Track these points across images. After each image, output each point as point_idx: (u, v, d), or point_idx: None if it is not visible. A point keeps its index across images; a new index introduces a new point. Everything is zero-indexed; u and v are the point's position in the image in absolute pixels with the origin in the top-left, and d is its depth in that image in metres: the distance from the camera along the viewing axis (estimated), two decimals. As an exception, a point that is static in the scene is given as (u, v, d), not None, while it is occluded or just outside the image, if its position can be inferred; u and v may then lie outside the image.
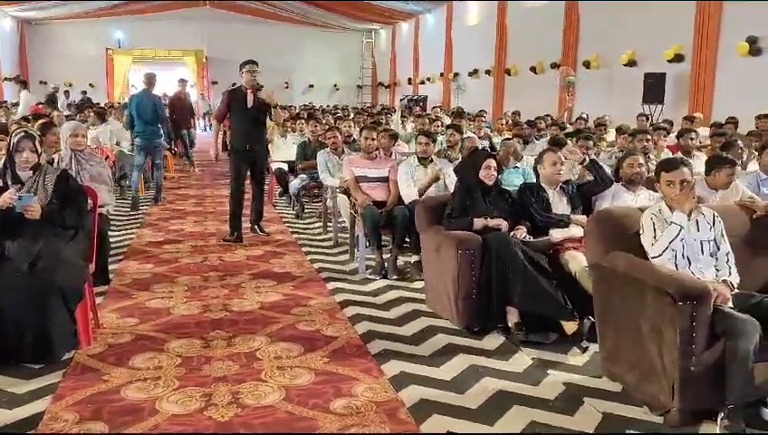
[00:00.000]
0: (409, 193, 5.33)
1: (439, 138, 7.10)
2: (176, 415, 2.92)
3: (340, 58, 28.36)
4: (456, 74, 20.63)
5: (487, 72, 18.57)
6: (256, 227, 6.55)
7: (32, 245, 3.50)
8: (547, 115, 11.82)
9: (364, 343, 3.83)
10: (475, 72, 19.44)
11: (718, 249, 3.29)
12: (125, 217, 7.57)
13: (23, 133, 3.71)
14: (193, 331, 3.97)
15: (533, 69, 16.18)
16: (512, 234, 4.16)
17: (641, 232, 3.32)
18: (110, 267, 5.30)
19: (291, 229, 7.04)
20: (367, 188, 5.57)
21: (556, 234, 4.27)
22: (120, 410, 2.95)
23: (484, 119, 10.19)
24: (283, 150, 8.55)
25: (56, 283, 3.39)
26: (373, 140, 5.67)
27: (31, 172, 3.69)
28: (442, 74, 21.51)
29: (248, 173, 6.34)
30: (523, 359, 3.65)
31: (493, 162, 4.31)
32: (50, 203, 3.65)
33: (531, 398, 3.18)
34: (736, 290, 3.20)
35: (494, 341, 3.90)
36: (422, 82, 23.52)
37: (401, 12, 23.49)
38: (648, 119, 9.86)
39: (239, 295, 4.67)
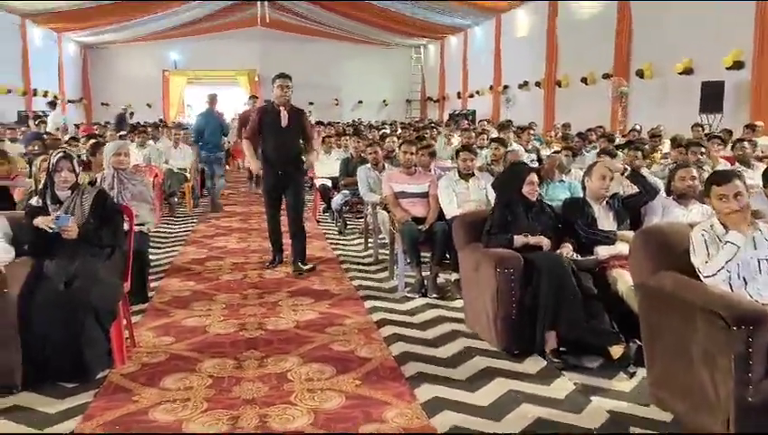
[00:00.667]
0: (450, 209, 5.20)
1: (483, 152, 6.95)
2: (201, 439, 2.86)
3: (389, 74, 28.44)
4: (506, 87, 20.37)
5: (537, 84, 18.26)
6: (299, 263, 5.71)
7: (69, 264, 3.53)
8: (599, 127, 11.48)
9: (398, 365, 3.70)
10: (524, 85, 19.14)
11: (778, 267, 3.05)
12: (171, 234, 7.67)
13: (61, 154, 3.77)
14: (227, 350, 3.92)
15: (584, 80, 15.81)
16: (558, 252, 3.98)
17: (691, 250, 3.11)
18: (152, 284, 5.34)
19: (332, 246, 6.99)
20: (406, 203, 5.47)
21: (602, 251, 4.08)
22: (146, 431, 2.92)
23: (532, 131, 9.95)
24: (326, 166, 8.54)
25: (91, 302, 3.40)
26: (412, 154, 5.57)
27: (69, 192, 3.74)
28: (491, 87, 21.28)
29: (281, 200, 5.76)
30: (565, 384, 3.46)
31: (536, 177, 4.15)
32: (86, 222, 3.68)
33: (573, 426, 3.00)
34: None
35: (534, 364, 3.71)
36: (471, 96, 23.32)
37: (450, 26, 23.42)
38: (703, 129, 9.46)
39: (276, 314, 4.62)
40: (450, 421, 3.03)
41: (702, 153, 5.71)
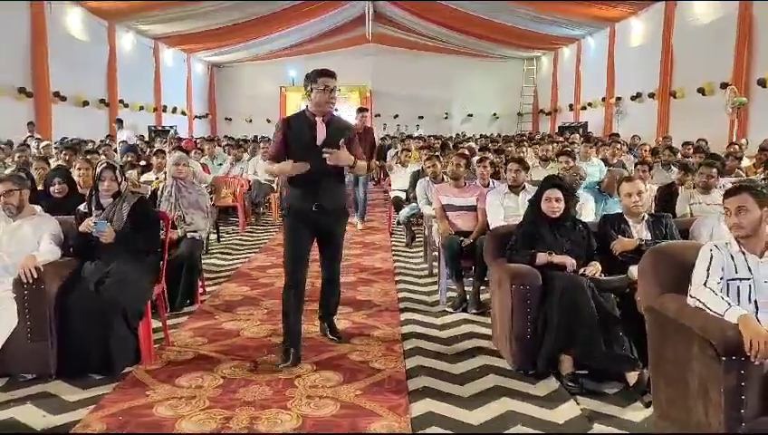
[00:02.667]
0: (496, 222, 5.07)
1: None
2: (188, 435, 3.01)
3: (500, 86, 28.09)
4: (619, 99, 19.48)
5: (651, 95, 17.31)
6: (326, 326, 4.35)
7: (105, 266, 3.84)
8: (701, 140, 10.76)
9: (407, 378, 3.68)
10: (638, 96, 18.22)
11: (799, 293, 2.74)
12: (248, 242, 8.05)
13: (105, 164, 4.11)
14: (250, 354, 4.08)
15: (701, 90, 14.79)
16: (582, 271, 3.80)
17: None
18: (212, 288, 5.66)
19: (395, 257, 7.03)
20: (454, 216, 5.42)
21: (635, 271, 3.82)
22: (142, 424, 3.11)
23: (619, 145, 9.49)
24: (402, 179, 8.59)
25: (118, 301, 3.68)
26: (459, 166, 5.50)
27: (111, 199, 4.06)
28: (603, 99, 20.45)
29: (311, 247, 4.05)
30: (571, 409, 3.28)
31: (556, 193, 3.96)
32: (124, 228, 3.98)
33: (560, 453, 2.85)
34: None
35: (547, 386, 3.56)
36: (583, 108, 22.53)
37: (563, 37, 22.81)
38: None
39: (310, 320, 4.69)
40: (435, 438, 2.99)
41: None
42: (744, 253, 2.79)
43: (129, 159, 7.14)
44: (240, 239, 8.22)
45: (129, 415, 3.21)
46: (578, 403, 3.35)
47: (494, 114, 28.51)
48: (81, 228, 3.91)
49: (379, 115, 27.76)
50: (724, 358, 2.41)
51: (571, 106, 23.59)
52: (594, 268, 3.82)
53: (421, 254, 7.07)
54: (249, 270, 6.46)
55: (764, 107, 12.70)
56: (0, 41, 13.32)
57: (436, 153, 7.29)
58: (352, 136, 4.06)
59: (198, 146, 10.63)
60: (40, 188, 5.32)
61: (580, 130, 20.29)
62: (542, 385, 3.58)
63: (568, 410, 3.27)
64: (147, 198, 4.35)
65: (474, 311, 4.91)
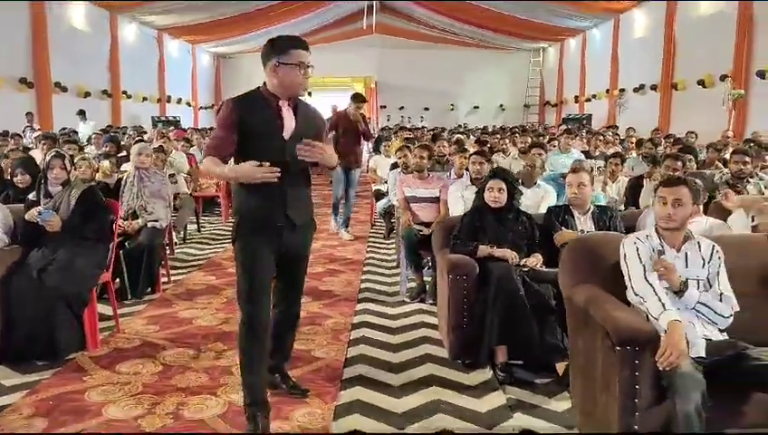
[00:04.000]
0: (456, 214, 5.08)
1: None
2: (112, 419, 3.06)
3: (507, 78, 27.92)
4: (622, 90, 19.31)
5: (653, 87, 17.15)
6: (279, 378, 3.31)
7: (51, 253, 3.90)
8: (690, 133, 10.70)
9: (344, 367, 3.71)
10: (640, 88, 18.04)
11: (710, 287, 2.72)
12: (229, 233, 8.08)
13: (54, 153, 4.17)
14: (198, 342, 4.13)
15: (701, 82, 14.63)
16: (523, 262, 3.80)
17: (622, 261, 2.82)
18: (179, 277, 5.73)
19: (369, 249, 7.06)
20: (417, 208, 5.43)
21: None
22: (70, 409, 3.16)
23: (601, 138, 9.43)
24: (385, 170, 8.59)
25: (60, 289, 3.74)
26: (422, 158, 5.50)
27: (60, 187, 4.12)
28: (608, 91, 20.27)
29: (274, 272, 3.07)
30: (497, 399, 3.30)
31: (499, 184, 3.96)
32: (71, 216, 4.04)
33: (473, 442, 2.87)
34: (722, 337, 2.63)
35: (480, 376, 3.58)
36: (588, 100, 22.35)
37: (569, 28, 22.62)
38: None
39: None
40: (353, 425, 3.01)
41: (744, 163, 5.13)
42: (662, 246, 2.78)
43: (107, 148, 7.21)
44: (221, 230, 8.28)
45: (59, 400, 3.27)
46: (505, 393, 3.36)
47: (501, 106, 28.34)
48: (26, 217, 3.97)
49: (384, 107, 27.75)
50: (618, 348, 2.41)
51: (576, 98, 23.41)
52: (535, 259, 3.82)
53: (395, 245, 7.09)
54: (221, 260, 6.51)
55: (763, 98, 12.54)
56: (1, 31, 13.46)
57: (408, 144, 7.26)
58: (325, 129, 3.27)
59: (187, 136, 10.67)
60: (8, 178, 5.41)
61: (584, 122, 20.23)
62: (476, 375, 3.60)
63: (493, 400, 3.29)
64: (96, 187, 4.39)
65: (431, 301, 4.92)
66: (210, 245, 7.29)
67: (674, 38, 16.22)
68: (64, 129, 12.19)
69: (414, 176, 5.59)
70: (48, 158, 4.13)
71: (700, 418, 2.23)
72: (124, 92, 19.08)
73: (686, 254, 2.75)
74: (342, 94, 26.18)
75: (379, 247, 7.18)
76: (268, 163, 2.74)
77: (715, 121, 13.00)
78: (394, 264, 6.28)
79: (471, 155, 5.42)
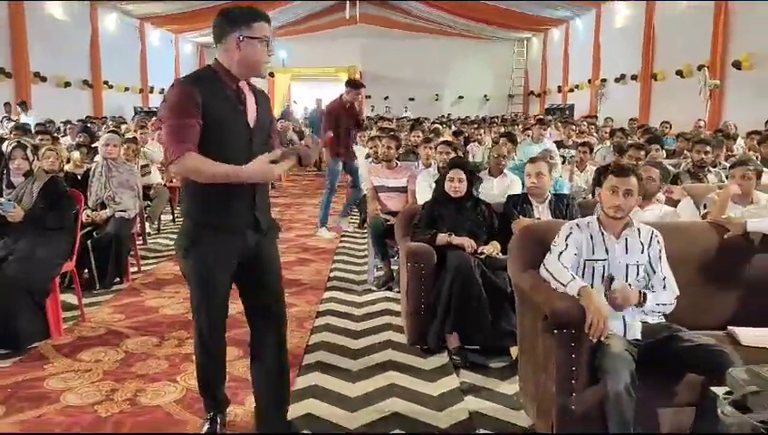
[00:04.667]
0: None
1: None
2: (69, 406, 3.10)
3: (492, 68, 27.96)
4: (604, 81, 19.42)
5: (633, 77, 17.26)
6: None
7: (13, 244, 3.92)
8: (665, 123, 10.82)
9: (305, 353, 3.78)
10: (622, 78, 18.16)
11: (654, 273, 2.80)
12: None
13: (15, 143, 4.19)
14: (161, 330, 4.17)
15: (680, 73, 14.75)
16: (480, 249, 3.87)
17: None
18: (150, 267, 5.75)
19: (343, 238, 7.11)
20: (385, 197, 5.49)
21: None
22: (27, 396, 3.20)
23: (574, 127, 9.53)
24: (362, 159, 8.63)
25: (21, 278, 3.76)
26: (389, 148, 5.55)
27: (23, 178, 4.14)
28: (590, 81, 20.38)
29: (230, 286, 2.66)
30: (451, 383, 3.38)
31: (459, 173, 4.02)
32: (34, 206, 4.05)
33: (421, 424, 2.94)
34: (659, 320, 2.71)
35: (437, 361, 3.66)
36: (571, 90, 22.45)
37: (553, 18, 22.69)
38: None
39: (234, 299, 4.79)
40: (305, 409, 3.08)
41: (706, 152, 5.23)
42: (603, 233, 2.84)
43: (80, 139, 7.20)
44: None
45: (18, 387, 3.30)
46: (459, 377, 3.44)
47: (485, 96, 28.40)
48: (-13, 208, 3.98)
49: (369, 96, 27.61)
50: (555, 330, 2.48)
51: (559, 88, 23.51)
52: (492, 247, 3.88)
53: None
54: (194, 249, 6.52)
55: (738, 89, 12.68)
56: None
57: (380, 135, 7.31)
58: (270, 107, 2.75)
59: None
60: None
61: (567, 112, 20.35)
62: (434, 360, 3.68)
63: (447, 384, 3.37)
64: (59, 178, 4.40)
65: (397, 290, 4.98)
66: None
67: (653, 28, 16.32)
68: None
69: (382, 166, 5.65)
70: (9, 148, 4.14)
71: (630, 397, 2.31)
72: (105, 83, 18.97)
73: (626, 240, 2.82)
74: (327, 84, 26.40)
75: (353, 236, 7.23)
76: (278, 155, 2.41)
77: (694, 111, 13.10)
78: (366, 253, 6.34)
79: (438, 145, 5.47)
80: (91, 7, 18.20)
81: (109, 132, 5.92)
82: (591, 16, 20.37)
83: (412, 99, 27.34)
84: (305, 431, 2.86)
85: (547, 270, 2.74)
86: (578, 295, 2.54)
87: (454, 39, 26.92)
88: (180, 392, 3.25)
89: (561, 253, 2.77)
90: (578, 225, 2.90)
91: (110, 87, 19.26)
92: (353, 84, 7.22)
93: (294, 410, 3.05)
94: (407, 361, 3.66)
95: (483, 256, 3.80)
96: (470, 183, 4.06)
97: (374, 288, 5.11)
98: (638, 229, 2.85)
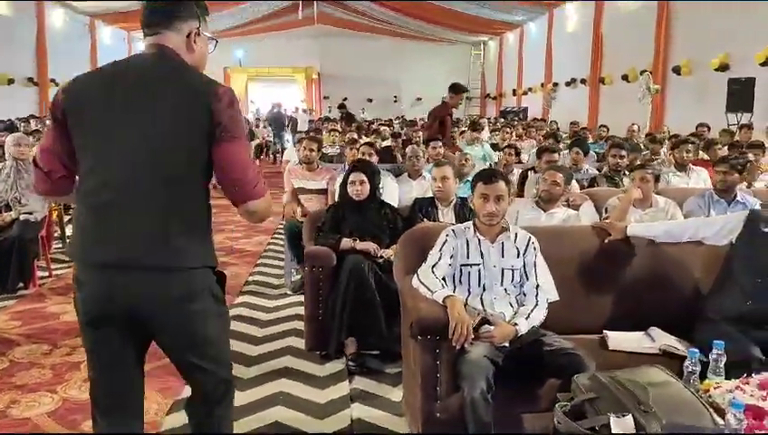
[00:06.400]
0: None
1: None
2: (-68, 419, 2.96)
3: (449, 70, 27.95)
4: (556, 84, 19.66)
5: (582, 81, 17.51)
6: None
7: None
8: (602, 126, 10.99)
9: (199, 360, 3.67)
10: (572, 82, 18.41)
11: (527, 280, 2.78)
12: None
13: None
14: (55, 337, 4.03)
15: (625, 77, 15.01)
16: (381, 253, 3.82)
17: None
18: (62, 272, 5.57)
19: (273, 241, 7.01)
20: (306, 199, 5.40)
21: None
22: None
23: (508, 130, 9.63)
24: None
25: None
26: (311, 151, 5.46)
27: None
28: (542, 85, 20.62)
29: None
30: (341, 389, 3.33)
31: (360, 176, 3.96)
32: None
33: (300, 433, 2.88)
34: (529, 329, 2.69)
35: (334, 367, 3.60)
36: (525, 93, 22.69)
37: (508, 22, 22.88)
38: (709, 129, 8.80)
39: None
40: (180, 420, 2.98)
41: (622, 156, 5.29)
42: (478, 238, 2.81)
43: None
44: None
45: None
46: (351, 383, 3.39)
47: (443, 98, 28.37)
48: None
49: (327, 97, 27.58)
50: (419, 336, 2.45)
51: (514, 91, 23.74)
52: (393, 251, 3.83)
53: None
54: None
55: (678, 94, 12.95)
56: None
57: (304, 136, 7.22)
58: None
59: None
60: None
61: (521, 115, 20.57)
62: (330, 366, 3.62)
63: (337, 391, 3.32)
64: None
65: (312, 294, 4.92)
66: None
67: (601, 33, 16.58)
68: None
69: (303, 168, 5.56)
70: None
71: (486, 402, 2.28)
72: (52, 80, 18.47)
73: (502, 244, 2.79)
74: (284, 85, 26.18)
75: (282, 239, 7.12)
76: None
77: (639, 115, 13.33)
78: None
79: (361, 146, 5.42)
80: (36, 2, 17.70)
81: (18, 133, 5.71)
82: (544, 20, 20.61)
83: (371, 100, 27.33)
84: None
85: (419, 278, 2.71)
86: (442, 303, 2.51)
87: (412, 41, 26.97)
88: (56, 404, 3.13)
89: (434, 264, 2.74)
90: (454, 231, 2.86)
91: (57, 85, 18.76)
92: (457, 89, 7.77)
93: (173, 420, 2.97)
94: (302, 367, 3.60)
95: (381, 260, 3.75)
96: (373, 186, 4.01)
97: (289, 293, 5.03)
98: (515, 234, 2.83)
